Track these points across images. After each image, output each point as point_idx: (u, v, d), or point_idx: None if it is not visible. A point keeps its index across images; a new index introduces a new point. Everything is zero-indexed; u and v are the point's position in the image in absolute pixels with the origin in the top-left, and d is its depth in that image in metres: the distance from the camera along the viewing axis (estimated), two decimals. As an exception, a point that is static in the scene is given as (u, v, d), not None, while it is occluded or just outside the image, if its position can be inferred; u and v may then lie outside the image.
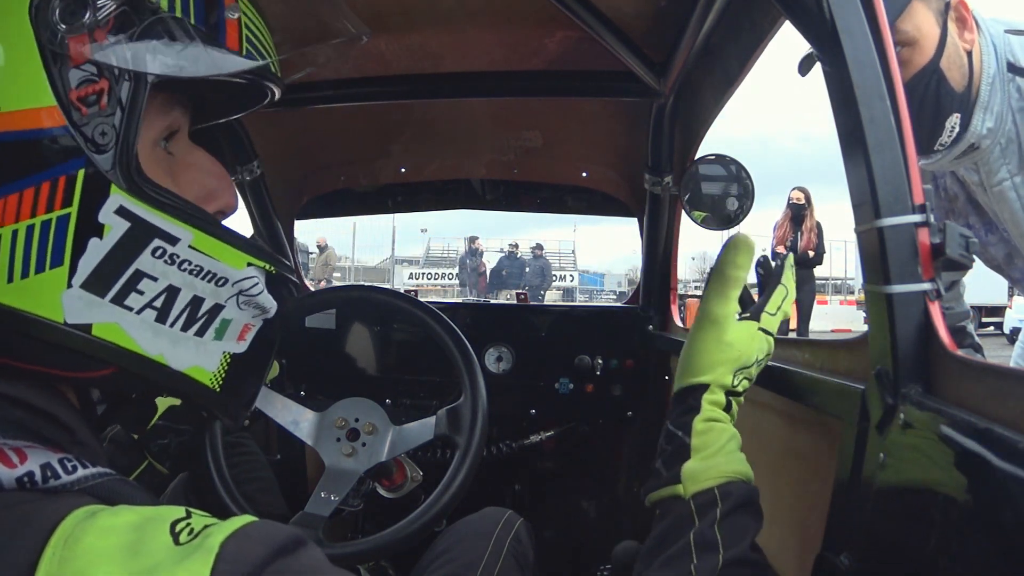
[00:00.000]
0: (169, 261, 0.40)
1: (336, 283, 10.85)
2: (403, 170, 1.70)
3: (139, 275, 0.39)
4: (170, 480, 0.94)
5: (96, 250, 0.38)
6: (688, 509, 0.55)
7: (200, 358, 0.43)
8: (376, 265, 18.90)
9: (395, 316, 1.57)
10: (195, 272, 0.42)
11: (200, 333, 0.43)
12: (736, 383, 0.62)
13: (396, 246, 17.75)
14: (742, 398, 0.64)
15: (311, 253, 12.22)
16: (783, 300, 0.66)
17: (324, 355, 1.59)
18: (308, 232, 13.51)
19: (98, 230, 0.38)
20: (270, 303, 0.48)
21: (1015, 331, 9.44)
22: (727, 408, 0.62)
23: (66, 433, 0.39)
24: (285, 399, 0.97)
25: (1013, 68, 1.08)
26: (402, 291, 1.13)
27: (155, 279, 0.40)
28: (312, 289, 1.63)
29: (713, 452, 0.58)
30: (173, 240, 0.41)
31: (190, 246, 0.42)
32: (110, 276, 0.39)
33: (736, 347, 0.62)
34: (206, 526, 0.33)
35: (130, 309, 0.39)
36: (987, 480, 0.43)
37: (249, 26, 0.44)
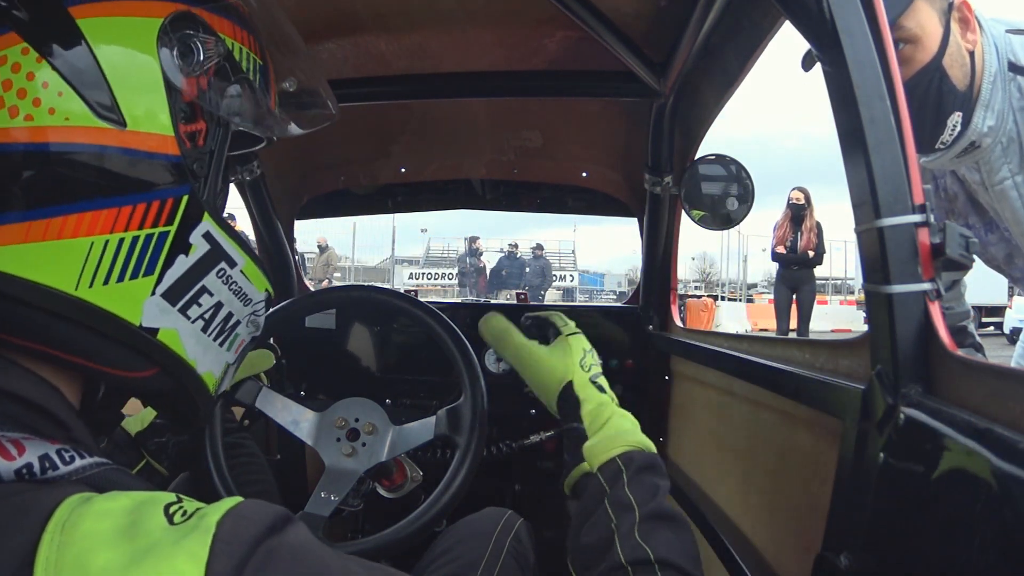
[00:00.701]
0: (225, 281, 0.46)
1: (336, 283, 10.86)
2: (403, 170, 1.70)
3: (203, 290, 0.45)
4: (169, 480, 0.94)
5: (181, 265, 0.43)
6: (597, 481, 0.60)
7: (214, 365, 0.48)
8: (376, 265, 18.91)
9: (395, 316, 1.58)
10: (237, 293, 0.48)
11: (222, 344, 0.48)
12: (587, 369, 0.71)
13: (396, 246, 17.76)
14: (604, 379, 0.72)
15: (310, 255, 12.23)
16: (563, 319, 0.79)
17: (324, 355, 1.59)
18: (308, 232, 13.52)
19: (186, 249, 0.43)
20: (262, 322, 0.54)
21: (1015, 331, 9.44)
22: (601, 390, 0.70)
23: (61, 430, 0.39)
24: (285, 399, 0.97)
25: (1014, 67, 1.09)
26: (402, 291, 1.13)
27: (212, 295, 0.45)
28: (312, 289, 1.63)
29: (605, 428, 0.65)
30: (233, 264, 0.47)
31: (242, 271, 0.48)
32: (184, 289, 0.43)
33: (559, 351, 0.73)
34: (198, 508, 0.35)
35: (189, 319, 0.44)
36: (987, 480, 0.43)
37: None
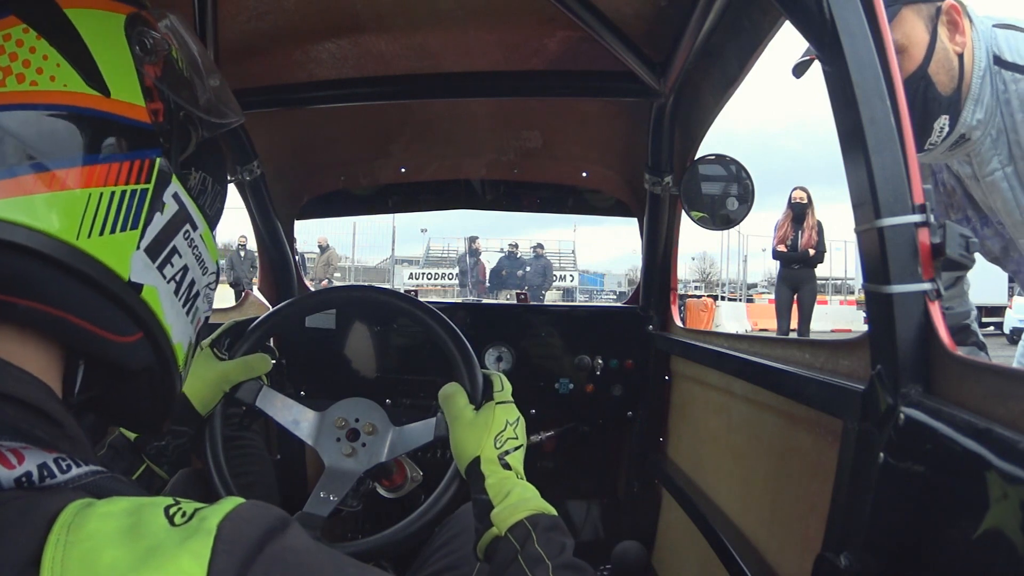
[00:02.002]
0: (189, 244, 0.50)
1: (336, 283, 10.85)
2: (403, 170, 1.70)
3: (173, 250, 0.49)
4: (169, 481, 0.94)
5: (157, 223, 0.47)
6: (508, 542, 0.65)
7: (183, 336, 0.51)
8: (376, 265, 18.91)
9: (395, 316, 1.57)
10: (198, 258, 0.52)
11: (187, 313, 0.52)
12: (500, 446, 0.77)
13: (396, 246, 17.75)
14: (519, 453, 0.78)
15: (310, 255, 12.24)
16: (502, 382, 0.84)
17: (324, 355, 1.59)
18: (309, 232, 13.52)
19: (161, 207, 0.47)
20: (212, 301, 0.57)
21: (1015, 331, 9.44)
22: (507, 467, 0.75)
23: (57, 428, 0.40)
24: (285, 398, 0.97)
25: (999, 61, 1.11)
26: (402, 291, 1.13)
27: (180, 256, 0.50)
28: (312, 289, 1.63)
29: (508, 497, 0.70)
30: (195, 227, 0.51)
31: (201, 235, 0.52)
32: (160, 247, 0.47)
33: (481, 424, 0.79)
34: (197, 509, 0.36)
35: (164, 278, 0.48)
36: (987, 480, 0.43)
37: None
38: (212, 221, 0.57)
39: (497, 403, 0.81)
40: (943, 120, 1.10)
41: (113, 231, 0.43)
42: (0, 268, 0.39)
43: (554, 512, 0.69)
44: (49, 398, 0.41)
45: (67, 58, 0.43)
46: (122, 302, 0.44)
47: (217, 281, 0.57)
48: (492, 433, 0.77)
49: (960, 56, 1.10)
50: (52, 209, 0.41)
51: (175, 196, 0.49)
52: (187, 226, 0.50)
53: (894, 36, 1.05)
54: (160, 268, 0.47)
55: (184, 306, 0.50)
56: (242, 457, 1.06)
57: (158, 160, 0.47)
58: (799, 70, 1.10)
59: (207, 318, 0.57)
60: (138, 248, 0.45)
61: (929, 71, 1.08)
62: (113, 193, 0.44)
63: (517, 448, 0.78)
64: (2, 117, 0.40)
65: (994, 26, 1.13)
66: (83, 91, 0.43)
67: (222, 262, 0.57)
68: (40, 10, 0.43)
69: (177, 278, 0.49)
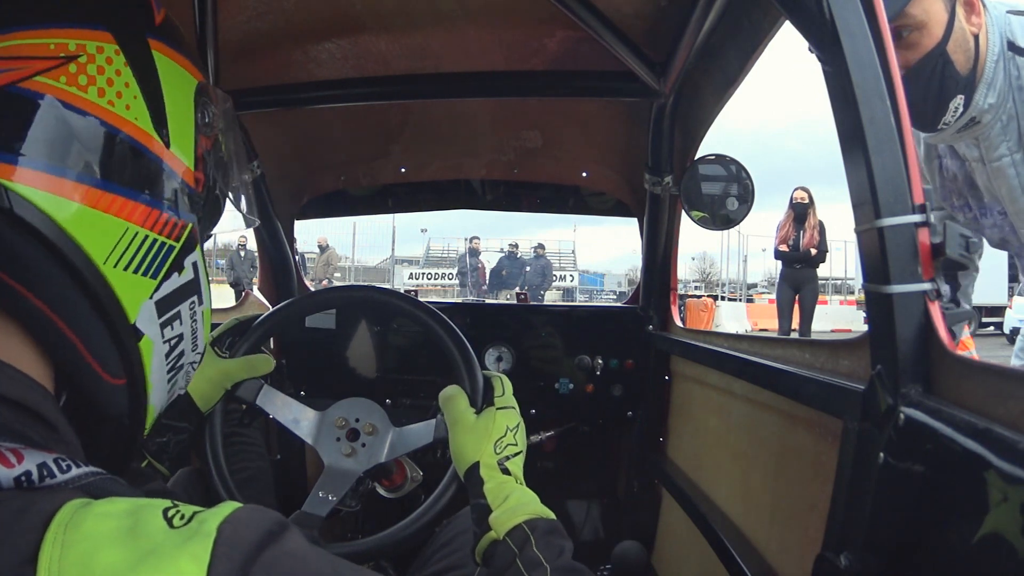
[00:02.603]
0: (192, 316, 0.51)
1: (336, 283, 10.85)
2: (403, 170, 1.70)
3: (177, 315, 0.50)
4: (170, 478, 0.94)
5: (173, 281, 0.48)
6: (507, 546, 0.65)
7: (158, 401, 0.51)
8: (376, 265, 18.92)
9: (395, 316, 1.57)
10: (193, 332, 0.52)
11: (169, 381, 0.52)
12: (500, 451, 0.76)
13: (396, 246, 17.75)
14: (519, 459, 0.77)
15: (310, 255, 12.24)
16: (503, 386, 0.83)
17: (324, 355, 1.59)
18: (309, 232, 13.52)
19: (180, 269, 0.49)
20: (189, 382, 0.57)
21: (1015, 331, 9.44)
22: (506, 472, 0.75)
23: (52, 432, 0.40)
24: (286, 397, 0.97)
25: (1013, 47, 1.12)
26: (402, 291, 1.13)
27: (181, 323, 0.50)
28: (312, 289, 1.63)
29: (507, 501, 0.70)
30: (201, 301, 0.52)
31: (203, 312, 0.53)
32: (168, 306, 0.48)
33: (481, 429, 0.78)
34: (195, 512, 0.36)
35: (163, 337, 0.49)
36: (987, 480, 0.43)
37: None
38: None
39: (498, 408, 0.81)
40: (958, 100, 1.11)
41: (136, 271, 0.44)
42: (10, 247, 0.39)
43: (553, 516, 0.69)
44: (45, 401, 0.41)
45: (144, 95, 0.44)
46: (119, 342, 0.44)
47: (199, 363, 0.58)
48: (492, 439, 0.77)
49: (976, 37, 1.11)
50: (92, 225, 0.42)
51: (194, 265, 0.50)
52: (195, 297, 0.51)
53: (915, 11, 1.07)
54: (162, 326, 0.48)
55: (168, 372, 0.51)
56: (241, 452, 1.07)
57: (190, 225, 0.48)
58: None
59: (179, 395, 0.57)
60: (151, 298, 0.46)
61: (947, 49, 1.09)
62: (147, 237, 0.45)
63: (517, 454, 0.77)
64: (75, 119, 0.41)
65: (1008, 12, 1.14)
66: (149, 131, 0.45)
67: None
68: (133, 40, 0.45)
69: (172, 342, 0.50)
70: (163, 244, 0.46)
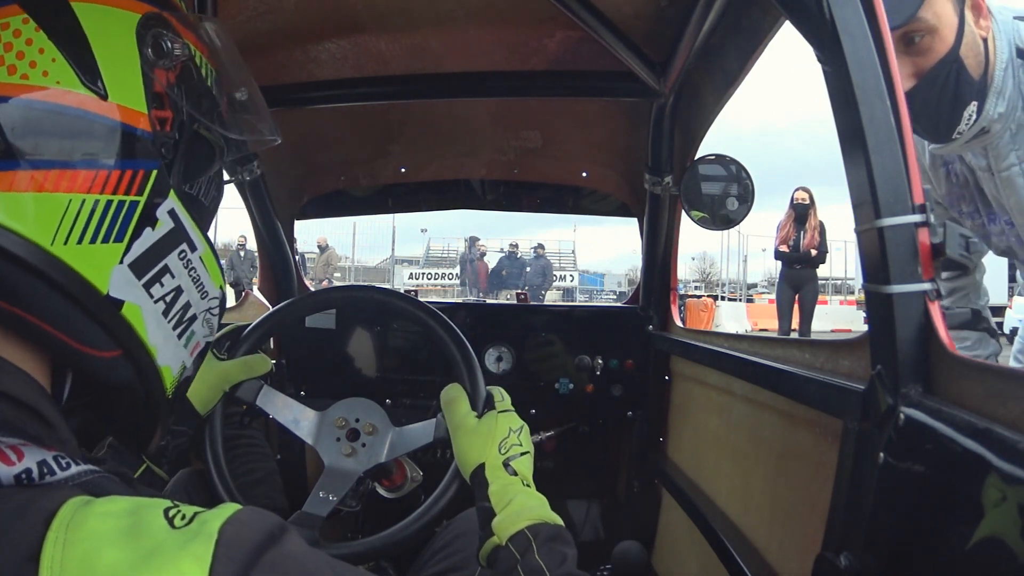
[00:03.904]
0: (185, 265, 0.48)
1: (336, 283, 10.85)
2: (403, 170, 1.70)
3: (165, 269, 0.47)
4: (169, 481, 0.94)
5: (147, 238, 0.45)
6: (509, 552, 0.65)
7: (172, 360, 0.49)
8: (376, 265, 18.90)
9: (395, 316, 1.57)
10: (195, 280, 0.50)
11: (180, 336, 0.50)
12: (504, 452, 0.76)
13: (396, 246, 17.74)
14: (525, 459, 0.77)
15: (310, 255, 12.23)
16: (503, 395, 0.84)
17: (324, 355, 1.59)
18: (308, 232, 13.51)
19: (153, 222, 0.45)
20: (216, 326, 0.55)
21: (1015, 331, 9.44)
22: (513, 473, 0.75)
23: (50, 430, 0.40)
24: (286, 398, 0.97)
25: (1022, 54, 1.10)
26: (402, 291, 1.13)
27: (173, 276, 0.47)
28: (312, 289, 1.63)
29: (511, 505, 0.69)
30: (193, 248, 0.49)
31: (200, 256, 0.50)
32: (149, 264, 0.45)
33: (484, 431, 0.78)
34: (196, 512, 0.36)
35: (151, 297, 0.46)
36: (987, 480, 0.43)
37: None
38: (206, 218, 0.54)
39: (500, 411, 0.81)
40: (972, 107, 1.08)
41: (93, 241, 0.42)
42: None
43: (558, 521, 0.68)
44: (43, 399, 0.41)
45: (65, 54, 0.41)
46: (97, 316, 0.42)
47: (222, 307, 0.55)
48: (496, 440, 0.77)
49: (985, 41, 1.09)
50: (28, 209, 0.39)
51: (172, 213, 0.47)
52: (183, 246, 0.48)
53: (926, 15, 1.04)
54: (147, 286, 0.45)
55: (176, 328, 0.49)
56: (248, 454, 1.06)
57: (154, 172, 0.45)
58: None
59: (208, 344, 0.55)
60: (121, 262, 0.43)
61: (960, 54, 1.07)
62: (97, 201, 0.42)
63: (523, 454, 0.77)
64: None
65: (1015, 18, 1.12)
66: (76, 90, 0.42)
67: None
68: (45, 1, 0.42)
69: (168, 299, 0.47)
70: (121, 203, 0.43)
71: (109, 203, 0.42)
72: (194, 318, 0.50)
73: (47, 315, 0.41)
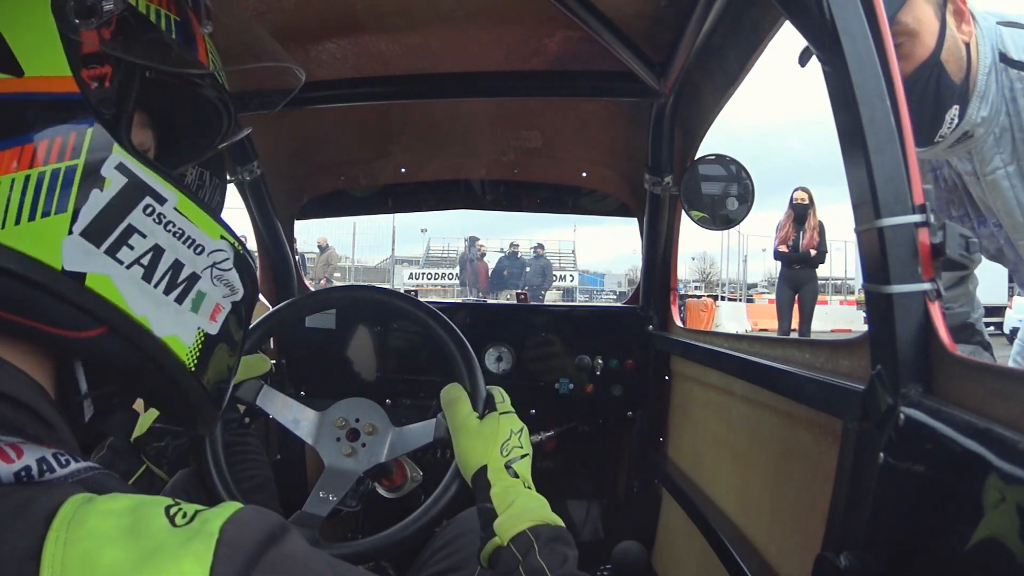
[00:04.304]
0: (157, 220, 0.45)
1: (336, 283, 10.85)
2: (403, 170, 1.70)
3: (131, 230, 0.43)
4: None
5: (97, 201, 0.42)
6: (511, 552, 0.65)
7: (178, 328, 0.46)
8: (376, 265, 18.89)
9: (395, 316, 1.57)
10: (178, 235, 0.46)
11: (179, 300, 0.46)
12: (506, 454, 0.76)
13: (396, 246, 17.73)
14: (526, 461, 0.77)
15: (310, 255, 12.23)
16: (503, 395, 0.84)
17: (324, 355, 1.59)
18: (308, 232, 13.51)
19: (100, 182, 0.42)
20: (238, 283, 0.51)
21: (1015, 331, 9.43)
22: (514, 475, 0.75)
23: (49, 430, 0.40)
24: (286, 398, 0.97)
25: (1005, 59, 1.10)
26: (402, 291, 1.13)
27: (144, 236, 0.44)
28: (312, 289, 1.63)
29: (513, 506, 0.70)
30: (161, 200, 0.45)
31: (175, 208, 0.46)
32: (106, 227, 0.42)
33: (487, 433, 0.78)
34: (197, 511, 0.36)
35: (121, 263, 0.43)
36: (987, 480, 0.43)
37: (211, 51, 0.53)
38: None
39: (501, 413, 0.81)
40: (954, 111, 1.09)
41: (33, 218, 0.39)
42: None
43: (560, 522, 0.68)
44: (41, 398, 0.41)
45: None
46: (61, 295, 0.40)
47: (233, 256, 0.50)
48: (498, 442, 0.77)
49: (967, 46, 1.09)
50: None
51: (120, 167, 0.43)
52: (147, 199, 0.44)
53: (906, 19, 1.04)
54: (111, 252, 0.42)
55: (170, 292, 0.45)
56: (246, 462, 1.06)
57: (89, 131, 0.42)
58: (804, 58, 1.10)
59: (234, 303, 0.50)
60: (71, 232, 0.41)
61: (942, 58, 1.07)
62: (28, 177, 0.40)
63: (524, 456, 0.77)
64: None
65: (999, 23, 1.12)
66: None
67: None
68: None
69: (144, 261, 0.44)
70: (56, 171, 0.41)
71: (42, 175, 0.40)
72: (194, 277, 0.47)
73: (11, 305, 0.40)
